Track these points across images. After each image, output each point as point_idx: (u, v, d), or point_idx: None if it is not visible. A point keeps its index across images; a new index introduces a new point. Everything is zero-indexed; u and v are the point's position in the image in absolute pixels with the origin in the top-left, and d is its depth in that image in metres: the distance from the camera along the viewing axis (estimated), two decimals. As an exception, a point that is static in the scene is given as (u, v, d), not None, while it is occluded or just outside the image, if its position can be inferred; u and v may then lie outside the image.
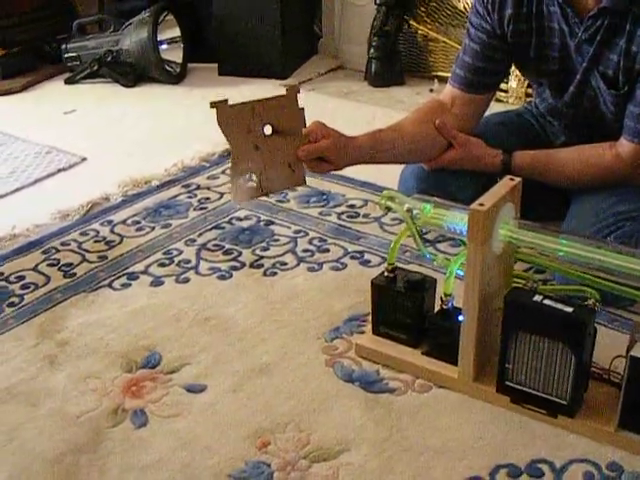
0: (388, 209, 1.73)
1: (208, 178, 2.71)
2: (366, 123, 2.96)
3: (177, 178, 2.72)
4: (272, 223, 2.37)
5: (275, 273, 2.13)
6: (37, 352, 1.84)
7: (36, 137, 3.13)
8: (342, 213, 2.44)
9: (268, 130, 1.76)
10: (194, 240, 2.30)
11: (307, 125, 1.84)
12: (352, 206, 2.48)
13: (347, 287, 2.05)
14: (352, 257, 2.19)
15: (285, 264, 2.17)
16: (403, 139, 2.03)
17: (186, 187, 2.65)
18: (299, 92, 1.79)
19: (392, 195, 1.72)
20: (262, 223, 2.38)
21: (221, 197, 2.56)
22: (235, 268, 2.15)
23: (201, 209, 2.49)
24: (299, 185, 1.89)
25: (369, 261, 2.16)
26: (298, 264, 2.17)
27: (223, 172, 2.73)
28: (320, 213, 2.44)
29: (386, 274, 1.76)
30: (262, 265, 2.16)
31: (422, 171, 2.14)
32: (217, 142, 1.68)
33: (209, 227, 2.37)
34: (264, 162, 1.78)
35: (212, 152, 2.85)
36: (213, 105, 1.66)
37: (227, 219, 2.41)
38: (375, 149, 1.97)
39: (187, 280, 2.11)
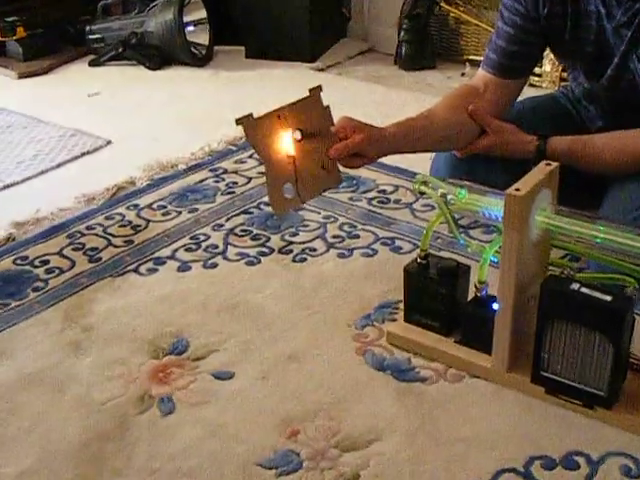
0: (422, 194, 1.70)
1: (235, 162, 2.69)
2: (396, 108, 2.93)
3: (204, 162, 2.70)
4: (301, 208, 2.33)
5: (304, 259, 2.11)
6: (62, 337, 1.83)
7: (60, 120, 3.12)
8: (373, 199, 2.41)
9: (297, 135, 1.74)
10: (222, 225, 2.28)
11: (335, 122, 1.81)
12: (383, 191, 2.45)
13: (378, 274, 2.03)
14: (383, 243, 2.17)
15: (314, 250, 2.15)
16: (435, 126, 1.99)
17: (213, 171, 2.63)
18: (322, 91, 1.76)
19: (426, 180, 1.70)
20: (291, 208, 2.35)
21: (249, 182, 2.54)
22: (264, 254, 2.14)
23: (229, 194, 2.47)
24: (336, 185, 1.87)
25: (400, 247, 2.14)
26: (328, 250, 2.15)
27: (250, 156, 2.71)
28: (350, 198, 2.41)
29: (419, 260, 1.74)
30: (291, 251, 2.15)
31: (454, 158, 2.10)
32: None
33: (237, 212, 2.35)
34: (299, 168, 1.75)
35: (239, 136, 2.81)
36: (239, 122, 1.63)
37: (255, 204, 2.39)
38: (407, 138, 1.93)
39: (215, 265, 2.09)
